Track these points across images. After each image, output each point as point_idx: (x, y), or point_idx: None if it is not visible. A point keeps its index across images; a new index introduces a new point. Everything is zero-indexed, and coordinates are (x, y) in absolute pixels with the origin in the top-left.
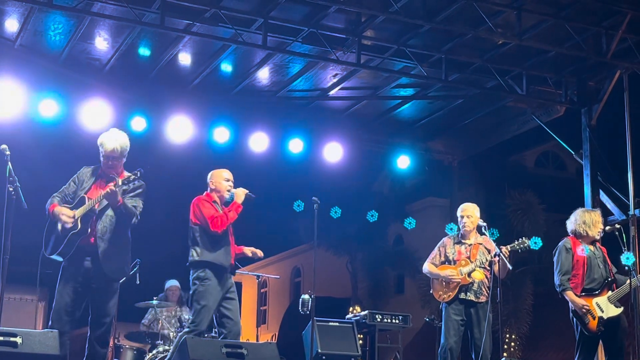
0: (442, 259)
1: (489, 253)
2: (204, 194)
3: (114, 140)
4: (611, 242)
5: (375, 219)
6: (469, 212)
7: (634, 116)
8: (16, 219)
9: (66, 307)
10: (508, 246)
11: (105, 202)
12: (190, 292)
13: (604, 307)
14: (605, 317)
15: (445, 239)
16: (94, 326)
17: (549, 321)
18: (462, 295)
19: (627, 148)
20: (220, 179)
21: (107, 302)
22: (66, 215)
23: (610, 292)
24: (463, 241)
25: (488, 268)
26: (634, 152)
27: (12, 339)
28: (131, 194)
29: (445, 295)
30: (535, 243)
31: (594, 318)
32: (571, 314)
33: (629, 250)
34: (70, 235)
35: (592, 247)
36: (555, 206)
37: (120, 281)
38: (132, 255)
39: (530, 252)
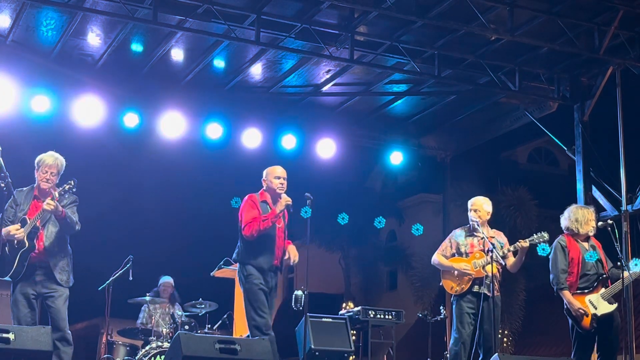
0: (453, 251)
1: (502, 247)
2: (259, 192)
3: (54, 158)
4: (604, 238)
5: (382, 225)
6: (477, 206)
7: (627, 112)
8: None
9: (25, 318)
10: (527, 240)
11: (46, 217)
12: (242, 289)
13: (597, 304)
14: (598, 314)
15: (456, 231)
16: (54, 329)
17: (541, 317)
18: (476, 289)
19: (620, 144)
20: (271, 176)
21: (62, 307)
22: (14, 229)
23: (603, 289)
24: (475, 234)
25: (502, 262)
26: (626, 147)
27: (4, 335)
28: (67, 207)
29: (458, 288)
30: (543, 250)
31: (587, 315)
32: (565, 312)
33: (620, 245)
34: (20, 254)
35: (586, 244)
36: (547, 202)
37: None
38: (124, 251)
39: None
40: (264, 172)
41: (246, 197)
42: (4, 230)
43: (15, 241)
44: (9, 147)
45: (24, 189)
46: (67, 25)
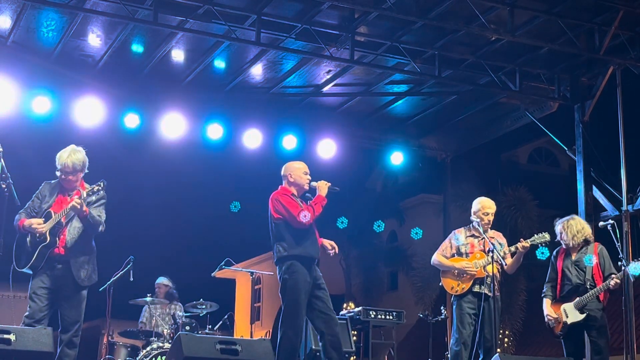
0: (453, 251)
1: (502, 248)
2: (280, 188)
3: (66, 157)
4: (605, 238)
5: (382, 228)
6: (490, 210)
7: (627, 112)
8: (9, 216)
9: (38, 313)
10: (528, 240)
11: (71, 214)
12: (280, 288)
13: (569, 312)
14: (568, 322)
15: (456, 231)
16: (63, 330)
17: (542, 317)
18: (477, 289)
19: (620, 144)
20: (300, 172)
21: (76, 308)
22: (36, 223)
23: (578, 299)
24: (476, 235)
25: (503, 262)
26: (626, 148)
27: (5, 336)
28: (95, 205)
29: (458, 288)
30: (542, 253)
31: (559, 322)
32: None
33: (621, 245)
34: (40, 248)
35: (574, 254)
36: (548, 202)
37: (103, 287)
38: (125, 252)
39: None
40: (288, 168)
41: (277, 193)
42: (26, 222)
43: (37, 234)
44: (10, 148)
45: (52, 181)
46: (67, 26)
